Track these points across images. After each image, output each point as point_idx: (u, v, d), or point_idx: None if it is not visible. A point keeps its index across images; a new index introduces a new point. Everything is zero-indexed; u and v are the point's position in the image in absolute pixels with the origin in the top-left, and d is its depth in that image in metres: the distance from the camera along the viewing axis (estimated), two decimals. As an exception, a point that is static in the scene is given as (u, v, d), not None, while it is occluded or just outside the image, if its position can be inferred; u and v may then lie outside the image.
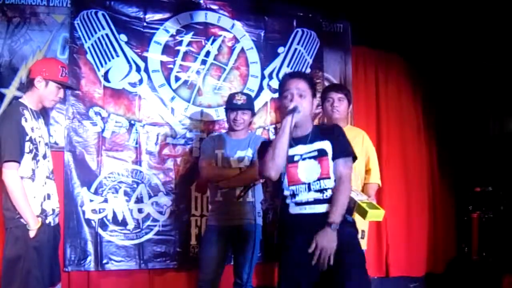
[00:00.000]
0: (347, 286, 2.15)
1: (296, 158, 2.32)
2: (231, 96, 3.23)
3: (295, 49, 4.17)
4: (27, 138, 2.48)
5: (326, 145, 2.33)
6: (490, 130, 4.85)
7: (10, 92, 3.42)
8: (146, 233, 3.64)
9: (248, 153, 3.15)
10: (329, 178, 2.31)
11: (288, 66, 4.13)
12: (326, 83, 4.15)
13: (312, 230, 2.24)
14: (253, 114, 3.32)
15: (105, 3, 3.69)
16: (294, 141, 2.31)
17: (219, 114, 3.89)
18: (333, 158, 2.32)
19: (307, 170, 2.31)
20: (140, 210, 3.65)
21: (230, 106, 3.18)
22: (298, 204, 2.31)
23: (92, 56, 3.63)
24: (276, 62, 4.10)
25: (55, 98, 2.67)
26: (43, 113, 2.73)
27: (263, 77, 4.05)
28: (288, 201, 2.33)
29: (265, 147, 2.36)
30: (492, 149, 4.70)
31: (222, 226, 3.10)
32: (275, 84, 4.06)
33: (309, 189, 2.30)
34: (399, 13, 4.28)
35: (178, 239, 3.70)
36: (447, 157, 4.85)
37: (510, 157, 4.48)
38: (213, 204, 3.21)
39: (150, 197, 3.68)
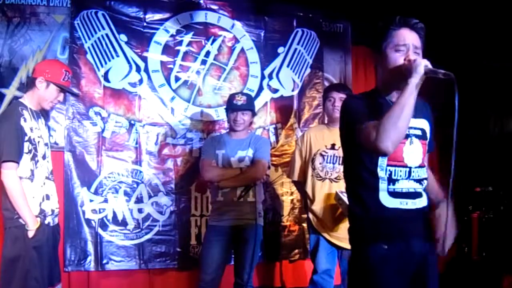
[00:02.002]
0: None
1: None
2: (232, 97, 3.23)
3: (295, 49, 4.16)
4: (26, 138, 2.47)
5: (426, 125, 1.91)
6: (490, 130, 4.84)
7: (10, 92, 3.43)
8: (146, 233, 3.64)
9: (248, 153, 3.15)
10: (424, 167, 1.90)
11: (288, 66, 4.13)
12: (326, 83, 4.15)
13: (413, 233, 1.83)
14: (254, 114, 3.32)
15: (105, 3, 3.69)
16: None
17: (219, 114, 3.89)
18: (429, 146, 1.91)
19: (411, 150, 1.82)
20: (140, 210, 3.65)
21: (231, 106, 3.18)
22: (396, 195, 1.81)
23: (92, 56, 3.63)
24: (276, 62, 4.10)
25: (54, 101, 2.67)
26: (43, 113, 2.73)
27: (263, 77, 4.05)
28: (380, 186, 1.79)
29: (356, 107, 1.82)
30: (492, 149, 4.69)
31: (223, 226, 3.10)
32: (275, 84, 4.07)
33: (409, 176, 1.83)
34: (399, 13, 4.27)
35: (178, 239, 3.70)
36: (447, 157, 4.83)
37: (510, 157, 4.47)
38: (214, 204, 3.21)
39: (150, 197, 3.68)
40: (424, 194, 1.88)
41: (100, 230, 3.53)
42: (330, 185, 3.12)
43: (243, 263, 3.08)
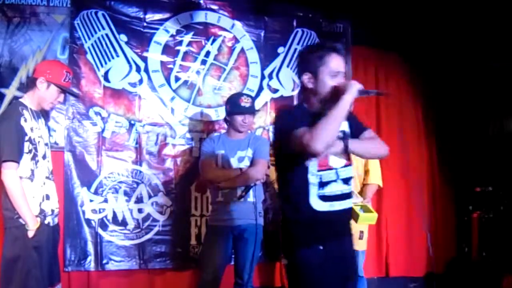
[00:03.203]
0: None
1: None
2: (237, 99, 3.19)
3: (295, 49, 4.16)
4: (26, 138, 2.47)
5: (345, 126, 2.08)
6: (490, 130, 4.84)
7: (10, 92, 3.43)
8: (146, 233, 3.64)
9: (248, 153, 3.15)
10: (351, 165, 2.10)
11: (288, 66, 4.13)
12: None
13: (343, 232, 2.05)
14: (254, 115, 3.32)
15: (105, 3, 3.68)
16: None
17: (219, 114, 3.89)
18: (357, 135, 2.09)
19: (336, 154, 2.02)
20: (140, 210, 3.65)
21: (239, 109, 3.14)
22: (326, 198, 1.99)
23: (92, 56, 3.63)
24: (276, 62, 4.10)
25: (54, 102, 2.67)
26: (43, 113, 2.73)
27: (263, 77, 4.05)
28: (311, 191, 1.97)
29: (292, 118, 2.01)
30: (492, 149, 4.69)
31: (223, 226, 3.10)
32: (275, 84, 4.07)
33: (338, 178, 2.01)
34: (399, 13, 4.28)
35: (178, 239, 3.70)
36: (447, 157, 4.85)
37: (510, 157, 4.47)
38: (214, 204, 3.21)
39: (150, 197, 3.68)
40: (350, 194, 2.09)
41: (100, 230, 3.53)
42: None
43: (243, 263, 3.09)
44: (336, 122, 1.86)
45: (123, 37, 3.71)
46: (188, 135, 3.80)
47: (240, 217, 3.08)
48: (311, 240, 1.97)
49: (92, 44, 3.63)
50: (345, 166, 2.05)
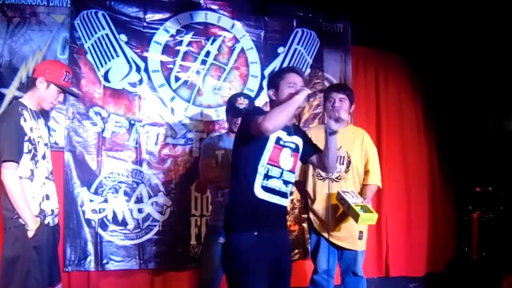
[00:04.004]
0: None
1: (281, 142, 2.38)
2: (234, 99, 3.18)
3: (295, 49, 4.17)
4: (26, 138, 2.47)
5: (300, 142, 2.48)
6: (490, 130, 4.85)
7: (10, 92, 3.43)
8: (146, 233, 3.64)
9: None
10: (294, 173, 2.46)
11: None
12: (326, 83, 4.15)
13: (276, 225, 2.39)
14: None
15: (105, 3, 3.68)
16: (284, 126, 2.34)
17: (219, 114, 3.89)
18: (304, 151, 2.50)
19: (286, 158, 2.39)
20: (140, 210, 3.65)
21: (233, 111, 3.14)
22: (268, 190, 2.32)
23: (92, 56, 3.63)
24: (276, 62, 4.10)
25: (54, 101, 2.66)
26: (43, 113, 2.72)
27: (263, 77, 4.05)
28: (257, 180, 2.31)
29: (260, 110, 2.49)
30: (492, 149, 4.70)
31: (221, 226, 3.09)
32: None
33: (281, 176, 2.36)
34: (399, 13, 4.28)
35: (178, 239, 3.70)
36: (447, 157, 4.85)
37: (510, 157, 4.48)
38: (214, 204, 3.20)
39: (150, 197, 3.68)
40: (288, 196, 2.44)
41: (100, 230, 3.53)
42: (331, 184, 3.12)
43: None
44: (285, 110, 2.22)
45: (123, 37, 3.71)
46: (188, 135, 3.80)
47: None
48: (249, 224, 2.28)
49: (92, 44, 3.63)
50: (290, 171, 2.40)
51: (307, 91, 2.34)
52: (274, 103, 2.43)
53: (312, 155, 2.55)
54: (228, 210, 2.40)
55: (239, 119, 3.06)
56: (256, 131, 2.24)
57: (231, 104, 3.17)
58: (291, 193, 3.95)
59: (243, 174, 2.34)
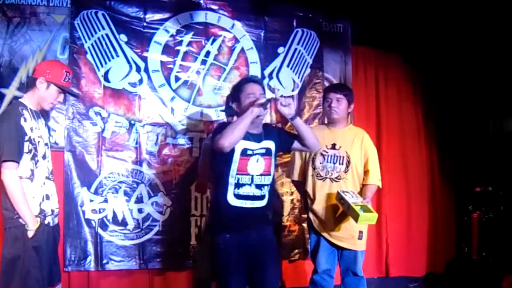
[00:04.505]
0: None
1: (248, 152, 2.54)
2: (227, 99, 3.22)
3: (295, 49, 4.17)
4: (26, 138, 2.47)
5: (272, 145, 2.63)
6: (490, 130, 4.85)
7: (10, 92, 3.42)
8: (146, 233, 3.64)
9: None
10: (269, 174, 2.62)
11: (288, 66, 4.13)
12: (326, 83, 4.16)
13: (249, 226, 2.56)
14: None
15: (105, 3, 3.68)
16: (251, 136, 2.55)
17: (219, 114, 3.89)
18: (282, 147, 2.72)
19: (254, 165, 2.55)
20: (140, 210, 3.65)
21: (227, 110, 3.19)
22: (240, 197, 2.53)
23: (92, 56, 3.62)
24: (276, 62, 4.10)
25: (54, 102, 2.66)
26: (43, 113, 2.73)
27: (263, 77, 4.04)
28: (229, 190, 2.52)
29: (223, 126, 2.58)
30: (492, 149, 4.70)
31: None
32: (275, 84, 4.07)
33: (252, 182, 2.55)
34: (399, 13, 4.28)
35: (178, 239, 3.69)
36: (447, 157, 4.85)
37: (510, 157, 4.48)
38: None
39: (150, 197, 3.68)
40: (265, 197, 2.61)
41: (100, 230, 3.53)
42: (330, 184, 3.13)
43: None
44: (237, 126, 2.41)
45: (123, 37, 3.71)
46: (188, 135, 3.80)
47: None
48: (222, 228, 2.55)
49: (92, 44, 3.63)
50: (261, 174, 2.56)
51: (256, 106, 2.47)
52: (239, 115, 2.58)
53: (292, 144, 2.72)
54: (209, 215, 2.70)
55: (234, 118, 3.09)
56: (216, 148, 2.45)
57: (226, 104, 3.20)
58: (292, 193, 3.98)
59: (217, 184, 2.59)
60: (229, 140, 2.38)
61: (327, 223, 3.11)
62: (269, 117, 4.02)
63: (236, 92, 2.64)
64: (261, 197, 2.60)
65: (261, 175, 2.56)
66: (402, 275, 4.52)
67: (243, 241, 2.53)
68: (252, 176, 2.54)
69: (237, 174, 2.51)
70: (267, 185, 2.61)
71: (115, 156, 3.63)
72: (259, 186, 2.57)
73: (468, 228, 4.52)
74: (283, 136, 2.74)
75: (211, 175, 2.68)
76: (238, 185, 2.52)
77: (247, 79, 2.72)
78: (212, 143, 2.53)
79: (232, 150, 2.48)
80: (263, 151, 2.58)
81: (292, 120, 2.60)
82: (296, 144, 2.71)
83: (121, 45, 3.70)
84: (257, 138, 2.57)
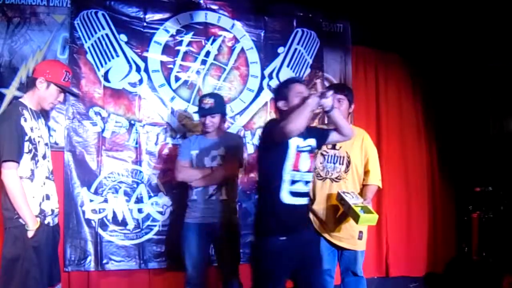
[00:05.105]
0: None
1: (299, 149, 2.57)
2: (200, 101, 3.24)
3: (295, 49, 4.17)
4: (26, 138, 2.47)
5: (313, 142, 2.67)
6: (490, 130, 4.84)
7: (10, 92, 3.42)
8: (146, 233, 3.64)
9: (220, 152, 3.19)
10: (312, 172, 2.69)
11: (288, 66, 4.13)
12: (326, 83, 4.15)
13: (302, 225, 2.60)
14: (224, 115, 3.32)
15: (105, 3, 3.68)
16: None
17: (219, 114, 3.88)
18: (319, 143, 2.74)
19: (304, 162, 2.58)
20: (140, 210, 3.65)
21: (199, 111, 3.22)
22: (294, 194, 2.53)
23: (92, 56, 3.63)
24: (276, 62, 4.11)
25: (54, 101, 2.66)
26: (43, 113, 2.72)
27: (263, 77, 4.05)
28: (283, 187, 2.51)
29: (275, 120, 2.65)
30: (492, 149, 4.69)
31: (197, 224, 3.14)
32: (275, 84, 4.06)
33: (302, 179, 2.57)
34: (399, 13, 4.28)
35: (178, 239, 3.67)
36: (447, 157, 4.85)
37: (510, 157, 4.47)
38: (188, 202, 3.24)
39: (150, 197, 3.68)
40: (308, 194, 2.69)
41: (100, 230, 3.53)
42: (330, 184, 3.13)
43: (224, 260, 3.13)
44: (302, 113, 2.42)
45: (123, 37, 3.71)
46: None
47: (213, 215, 3.11)
48: (276, 230, 2.48)
49: (92, 44, 3.63)
50: (308, 171, 2.62)
51: (316, 96, 2.52)
52: (285, 113, 2.58)
53: (327, 138, 2.76)
54: (257, 216, 2.64)
55: (206, 119, 3.12)
56: (282, 136, 2.45)
57: (198, 106, 3.24)
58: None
59: (270, 182, 2.56)
60: (296, 125, 2.39)
61: (327, 223, 3.11)
62: (268, 117, 4.02)
63: (283, 91, 2.66)
64: (307, 194, 2.66)
65: (307, 171, 2.60)
66: (402, 275, 4.51)
67: (296, 242, 2.50)
68: (302, 173, 2.57)
69: (292, 170, 2.53)
70: (310, 182, 2.66)
71: (115, 156, 3.63)
72: (307, 183, 2.61)
73: (468, 228, 4.52)
74: (319, 132, 2.79)
75: (260, 174, 2.71)
76: (292, 182, 2.53)
77: (293, 80, 2.77)
78: (272, 133, 2.51)
79: (287, 146, 2.51)
80: (309, 148, 2.63)
81: (329, 112, 2.62)
82: (330, 137, 2.75)
83: (121, 45, 3.70)
84: (302, 136, 2.58)
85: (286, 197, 2.51)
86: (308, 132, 2.62)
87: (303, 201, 2.60)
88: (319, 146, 2.77)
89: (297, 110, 2.45)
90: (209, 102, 3.16)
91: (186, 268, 3.14)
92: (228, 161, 3.14)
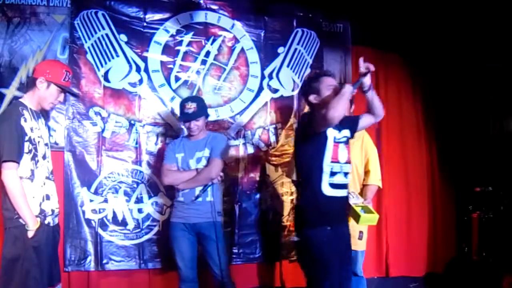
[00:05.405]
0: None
1: (336, 140, 2.64)
2: (182, 105, 3.24)
3: (295, 49, 4.17)
4: (26, 138, 2.47)
5: (348, 133, 2.74)
6: (490, 130, 4.84)
7: (10, 92, 3.42)
8: (146, 233, 3.64)
9: (205, 154, 3.21)
10: (350, 163, 2.70)
11: (288, 66, 4.13)
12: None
13: (342, 216, 2.67)
14: (207, 117, 3.34)
15: (105, 3, 3.68)
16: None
17: (219, 114, 3.89)
18: (352, 132, 2.78)
19: (342, 152, 2.63)
20: (140, 210, 3.65)
21: (183, 117, 3.23)
22: (334, 186, 2.57)
23: (92, 56, 3.62)
24: (276, 62, 4.10)
25: (54, 101, 2.66)
26: (43, 113, 2.73)
27: (263, 77, 4.05)
28: (323, 179, 2.55)
29: (310, 114, 2.73)
30: (492, 149, 4.69)
31: (184, 223, 3.17)
32: (275, 84, 4.07)
33: (341, 170, 2.61)
34: (399, 13, 4.28)
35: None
36: (447, 157, 4.84)
37: (510, 157, 4.47)
38: (175, 203, 3.27)
39: (150, 197, 3.68)
40: (347, 186, 2.70)
41: (100, 230, 3.53)
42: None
43: (212, 259, 3.14)
44: (341, 100, 2.49)
45: (123, 37, 3.71)
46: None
47: (199, 215, 3.14)
48: (322, 221, 2.54)
49: (92, 44, 3.63)
50: (346, 162, 2.65)
51: (350, 86, 2.59)
52: (317, 106, 2.66)
53: (358, 124, 2.80)
54: (300, 209, 2.68)
55: (191, 123, 3.15)
56: (324, 124, 2.52)
57: (180, 111, 3.25)
58: (292, 193, 3.98)
59: (310, 175, 2.60)
60: (338, 111, 2.44)
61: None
62: (268, 117, 4.03)
63: (314, 85, 2.72)
64: (346, 186, 2.68)
65: (346, 163, 2.64)
66: (402, 275, 4.51)
67: (339, 234, 2.58)
68: (341, 164, 2.61)
69: (331, 161, 2.58)
70: (349, 173, 2.69)
71: (115, 156, 3.63)
72: (346, 175, 2.64)
73: (468, 228, 4.52)
74: (350, 120, 2.81)
75: (300, 168, 2.73)
76: (332, 173, 2.57)
77: (323, 73, 2.81)
78: (313, 124, 2.57)
79: (325, 137, 2.58)
80: (345, 139, 2.70)
81: (368, 91, 2.66)
82: (361, 123, 2.80)
83: (121, 45, 3.70)
84: (337, 128, 2.64)
85: (327, 189, 2.55)
86: (341, 124, 2.65)
87: (343, 193, 2.64)
88: (352, 135, 2.80)
89: (335, 98, 2.51)
90: (192, 106, 3.19)
91: (178, 267, 3.18)
92: (212, 162, 3.17)
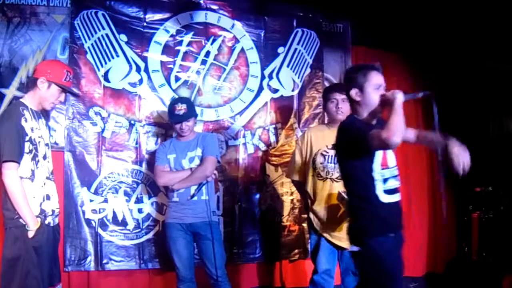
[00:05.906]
0: None
1: None
2: (172, 107, 3.25)
3: (295, 49, 4.17)
4: (27, 138, 2.47)
5: None
6: (490, 130, 4.84)
7: (10, 92, 3.42)
8: (146, 233, 3.64)
9: (197, 153, 3.23)
10: (396, 166, 2.54)
11: (288, 66, 4.13)
12: (326, 83, 4.15)
13: (401, 221, 2.52)
14: (196, 117, 3.36)
15: (105, 3, 3.68)
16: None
17: (219, 114, 3.89)
18: None
19: (390, 157, 2.48)
20: (140, 210, 3.65)
21: (173, 119, 3.24)
22: (388, 192, 2.42)
23: (92, 56, 3.62)
24: (276, 62, 4.10)
25: (55, 101, 2.66)
26: (44, 113, 2.72)
27: (263, 77, 4.05)
28: (378, 188, 2.38)
29: (362, 123, 2.42)
30: (492, 149, 4.69)
31: (179, 223, 3.18)
32: (275, 84, 4.07)
33: (392, 175, 2.46)
34: (399, 13, 4.28)
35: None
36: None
37: (510, 157, 4.47)
38: (170, 203, 3.27)
39: (150, 197, 3.68)
40: (399, 189, 2.53)
41: (100, 230, 3.53)
42: (331, 185, 3.12)
43: (208, 259, 3.15)
44: (400, 118, 2.21)
45: (123, 37, 3.71)
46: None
47: (194, 215, 3.15)
48: (385, 229, 2.39)
49: (92, 44, 3.63)
50: (394, 166, 2.51)
51: (401, 95, 2.29)
52: (358, 104, 2.43)
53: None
54: (359, 219, 2.47)
55: (183, 124, 3.18)
56: (383, 146, 2.29)
57: (170, 112, 3.26)
58: (292, 193, 3.98)
59: (363, 184, 2.42)
60: (399, 137, 2.18)
61: (328, 223, 3.11)
62: (268, 117, 4.03)
63: (358, 79, 2.40)
64: (399, 189, 2.53)
65: (394, 166, 2.51)
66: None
67: (400, 239, 2.48)
68: (391, 169, 2.47)
69: (382, 168, 2.41)
70: (398, 175, 2.54)
71: (115, 156, 3.63)
72: (395, 177, 2.50)
73: (468, 228, 4.52)
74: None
75: (351, 179, 2.51)
76: (384, 180, 2.42)
77: (370, 67, 2.46)
78: (367, 141, 2.27)
79: None
80: None
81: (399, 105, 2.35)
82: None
83: (121, 45, 3.70)
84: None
85: (383, 197, 2.40)
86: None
87: (398, 197, 2.50)
88: None
89: (393, 118, 2.21)
90: (182, 108, 3.20)
91: (176, 267, 3.19)
92: (205, 160, 3.18)
